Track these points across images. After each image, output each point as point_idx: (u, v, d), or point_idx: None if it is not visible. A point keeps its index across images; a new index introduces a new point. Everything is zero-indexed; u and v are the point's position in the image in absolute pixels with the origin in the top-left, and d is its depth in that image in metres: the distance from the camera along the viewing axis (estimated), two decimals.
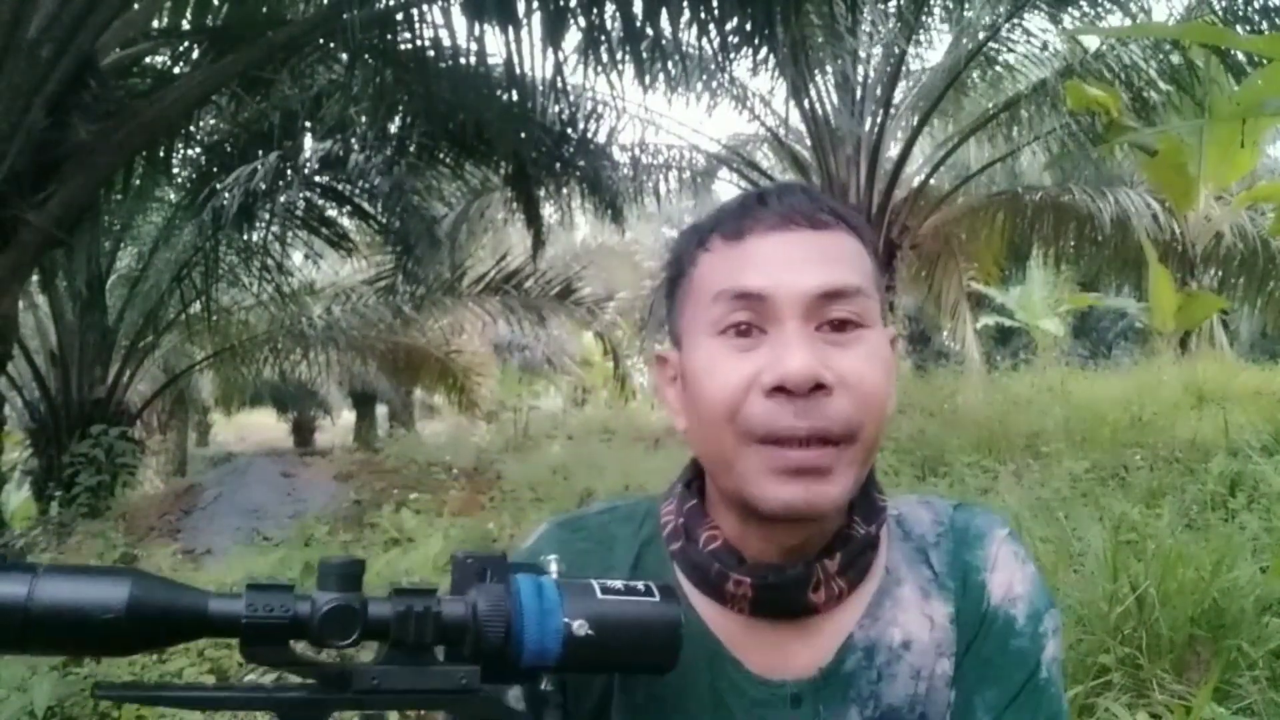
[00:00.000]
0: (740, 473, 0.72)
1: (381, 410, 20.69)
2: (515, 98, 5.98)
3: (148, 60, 5.67)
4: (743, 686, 0.76)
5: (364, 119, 6.52)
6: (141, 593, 0.53)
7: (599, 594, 0.63)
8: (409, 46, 5.58)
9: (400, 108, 6.38)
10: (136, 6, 4.76)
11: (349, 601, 0.56)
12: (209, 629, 0.56)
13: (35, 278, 6.86)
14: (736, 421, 0.71)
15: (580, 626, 0.61)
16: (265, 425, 23.15)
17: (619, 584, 0.65)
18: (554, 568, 0.65)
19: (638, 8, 4.88)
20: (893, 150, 9.83)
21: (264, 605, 0.55)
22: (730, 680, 0.76)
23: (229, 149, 6.71)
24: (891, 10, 8.64)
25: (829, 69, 9.13)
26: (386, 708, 0.58)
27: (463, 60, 5.63)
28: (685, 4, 4.88)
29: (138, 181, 6.67)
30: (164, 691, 0.59)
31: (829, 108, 9.50)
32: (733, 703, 0.76)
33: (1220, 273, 11.19)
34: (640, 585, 0.65)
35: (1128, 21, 6.78)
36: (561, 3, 4.88)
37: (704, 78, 8.62)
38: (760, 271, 0.72)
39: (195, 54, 5.54)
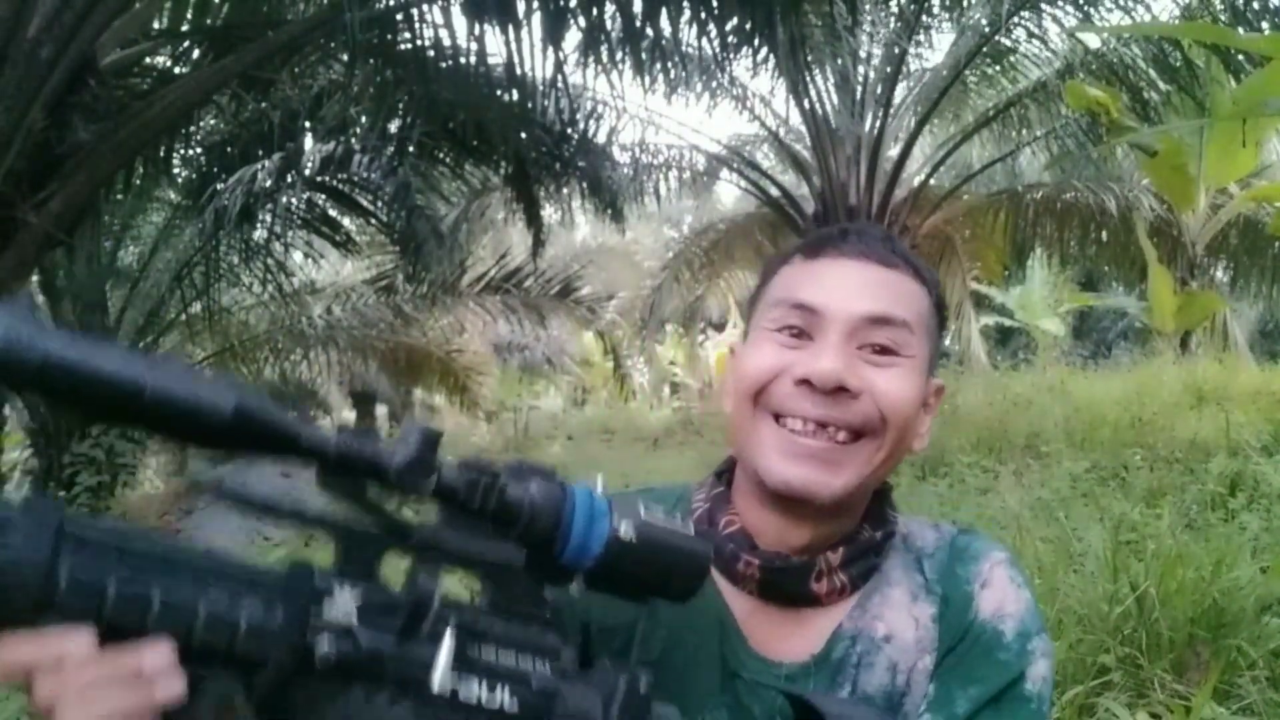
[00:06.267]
0: (755, 443, 0.80)
1: (381, 410, 20.69)
2: (515, 98, 5.98)
3: (148, 60, 5.68)
4: (745, 661, 0.82)
5: (364, 119, 6.52)
6: (247, 401, 0.56)
7: (643, 513, 0.67)
8: (409, 46, 5.58)
9: (400, 108, 6.38)
10: (137, 6, 4.77)
11: (428, 458, 0.60)
12: (300, 449, 0.58)
13: (35, 278, 6.86)
14: (762, 397, 0.80)
15: (626, 530, 0.64)
16: None
17: (659, 511, 0.69)
18: (600, 487, 0.69)
19: (638, 8, 4.89)
20: (893, 150, 9.81)
21: (352, 442, 0.59)
22: (735, 653, 0.83)
23: (230, 149, 6.70)
24: (892, 10, 8.64)
25: (829, 69, 9.12)
26: (436, 563, 0.61)
27: (463, 60, 5.63)
28: (685, 4, 4.88)
29: (138, 181, 6.68)
30: (250, 498, 0.60)
31: (829, 108, 9.48)
32: (737, 673, 0.82)
33: (1232, 265, 11.17)
34: (678, 517, 0.69)
35: (1128, 21, 6.78)
36: (561, 3, 4.88)
37: (704, 78, 8.61)
38: (821, 289, 0.81)
39: (195, 54, 5.55)
